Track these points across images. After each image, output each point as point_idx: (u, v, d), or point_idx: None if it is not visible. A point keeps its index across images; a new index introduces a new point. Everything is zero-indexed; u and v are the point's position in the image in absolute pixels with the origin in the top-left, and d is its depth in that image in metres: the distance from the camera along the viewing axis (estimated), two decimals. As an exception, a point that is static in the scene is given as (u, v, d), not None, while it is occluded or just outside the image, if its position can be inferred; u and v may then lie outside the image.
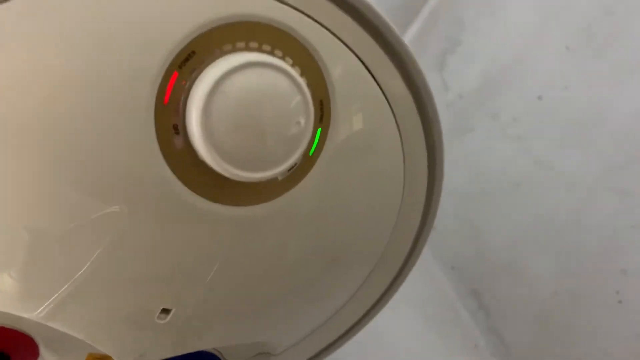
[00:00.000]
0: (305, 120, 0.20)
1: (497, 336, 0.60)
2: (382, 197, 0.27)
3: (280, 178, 0.22)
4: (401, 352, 0.58)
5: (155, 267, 0.21)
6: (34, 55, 0.18)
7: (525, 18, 0.61)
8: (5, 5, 0.17)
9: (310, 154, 0.22)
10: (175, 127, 0.19)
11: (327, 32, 0.21)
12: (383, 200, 0.27)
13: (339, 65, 0.22)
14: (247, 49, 0.20)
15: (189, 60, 0.19)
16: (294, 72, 0.20)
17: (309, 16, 0.21)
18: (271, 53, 0.20)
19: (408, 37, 0.76)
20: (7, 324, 0.25)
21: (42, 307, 0.22)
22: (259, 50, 0.20)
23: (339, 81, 0.22)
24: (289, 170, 0.22)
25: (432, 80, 0.71)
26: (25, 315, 0.22)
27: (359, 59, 0.23)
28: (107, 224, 0.20)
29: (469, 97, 0.67)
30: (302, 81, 0.20)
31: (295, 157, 0.20)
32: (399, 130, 0.26)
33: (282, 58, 0.20)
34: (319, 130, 0.22)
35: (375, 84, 0.24)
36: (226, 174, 0.19)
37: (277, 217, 0.22)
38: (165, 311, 0.22)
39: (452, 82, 0.69)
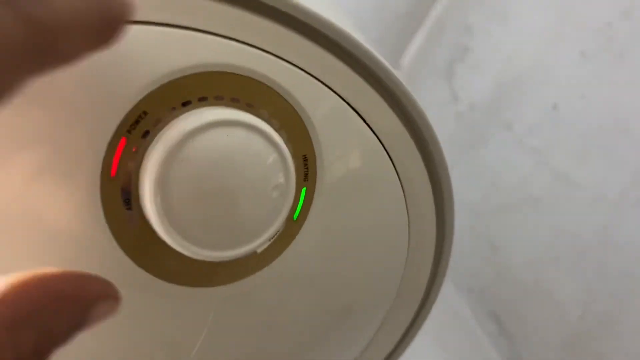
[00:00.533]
0: (284, 181, 0.17)
1: (521, 365, 0.56)
2: (386, 239, 0.23)
3: (259, 250, 0.18)
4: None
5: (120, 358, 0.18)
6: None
7: (537, 23, 0.58)
8: None
9: (295, 218, 0.19)
10: (127, 202, 0.16)
11: (305, 74, 0.18)
12: (388, 242, 0.24)
13: (322, 112, 0.19)
14: (210, 103, 0.16)
15: (139, 123, 0.16)
16: (268, 128, 0.16)
17: (283, 59, 0.17)
18: (242, 107, 0.17)
19: (414, 46, 0.73)
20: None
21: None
22: (225, 104, 0.17)
23: (324, 130, 0.19)
24: (270, 239, 0.18)
25: (441, 90, 0.68)
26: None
27: (345, 101, 0.19)
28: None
29: (480, 108, 0.64)
30: (278, 137, 0.16)
31: (274, 227, 0.17)
32: (396, 170, 0.22)
33: (256, 112, 0.17)
34: (304, 189, 0.19)
35: (365, 126, 0.20)
36: (192, 256, 0.16)
37: (263, 289, 0.19)
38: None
39: (461, 92, 0.66)
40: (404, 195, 0.23)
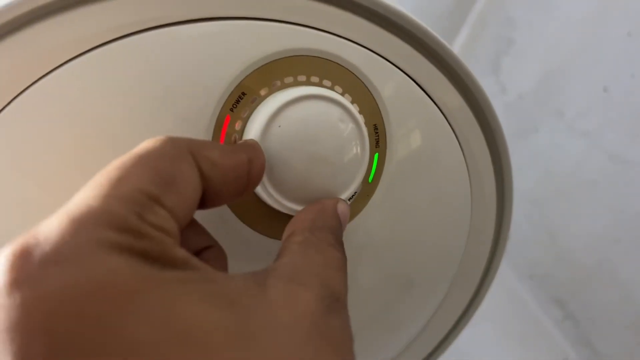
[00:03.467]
0: (360, 147, 0.20)
1: (588, 347, 0.56)
2: (450, 212, 0.26)
3: (341, 208, 0.21)
4: (486, 371, 0.56)
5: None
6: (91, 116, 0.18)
7: (579, 8, 0.59)
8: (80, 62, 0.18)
9: (370, 180, 0.21)
10: (233, 170, 0.19)
11: (373, 54, 0.21)
12: (451, 215, 0.26)
13: (390, 87, 0.21)
14: (296, 83, 0.19)
15: (239, 102, 0.19)
16: (345, 101, 0.19)
17: (352, 41, 0.20)
18: (320, 84, 0.20)
19: (458, 43, 0.74)
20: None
21: None
22: (308, 83, 0.20)
23: (391, 102, 0.21)
24: (349, 200, 0.21)
25: (488, 84, 0.69)
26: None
27: (409, 77, 0.22)
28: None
29: (529, 97, 0.65)
30: (353, 108, 0.19)
31: (354, 186, 0.20)
32: (459, 142, 0.25)
33: (331, 88, 0.20)
34: (376, 155, 0.21)
35: (429, 100, 0.23)
36: (288, 212, 0.19)
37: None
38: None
39: (509, 83, 0.67)
40: (467, 167, 0.25)
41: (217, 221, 0.19)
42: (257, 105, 0.19)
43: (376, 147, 0.21)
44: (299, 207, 0.19)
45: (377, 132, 0.21)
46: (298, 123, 0.18)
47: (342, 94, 0.20)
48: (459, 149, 0.25)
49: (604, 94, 0.56)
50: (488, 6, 0.71)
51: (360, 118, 0.20)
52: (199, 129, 0.19)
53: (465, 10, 0.74)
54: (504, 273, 0.64)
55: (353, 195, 0.21)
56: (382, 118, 0.21)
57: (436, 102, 0.23)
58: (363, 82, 0.21)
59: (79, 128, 0.18)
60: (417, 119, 0.23)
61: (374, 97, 0.21)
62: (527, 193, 0.64)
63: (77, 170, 0.18)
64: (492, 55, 0.69)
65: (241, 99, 0.19)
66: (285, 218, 0.20)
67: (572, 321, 0.58)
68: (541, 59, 0.63)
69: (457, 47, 0.75)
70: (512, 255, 0.65)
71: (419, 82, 0.22)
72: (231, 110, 0.19)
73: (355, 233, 0.22)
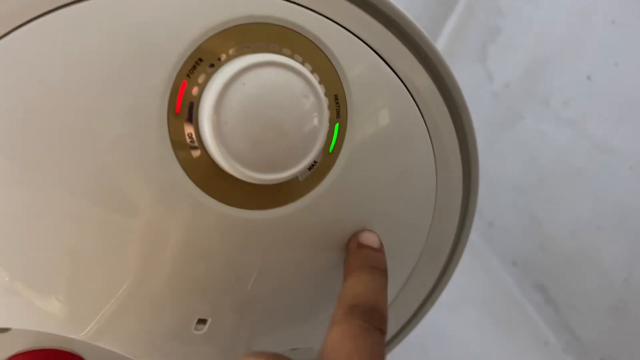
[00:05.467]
0: (319, 115, 0.20)
1: (568, 331, 0.57)
2: (415, 187, 0.26)
3: (301, 178, 0.21)
4: (467, 355, 0.56)
5: (187, 277, 0.22)
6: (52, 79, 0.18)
7: (565, -3, 0.59)
8: (23, 31, 0.18)
9: (330, 150, 0.22)
10: (190, 136, 0.19)
11: (336, 26, 0.21)
12: (416, 190, 0.26)
13: (352, 59, 0.22)
14: (254, 50, 0.20)
15: (196, 68, 0.19)
16: (304, 68, 0.19)
17: (315, 12, 0.21)
18: (279, 52, 0.20)
19: (446, 31, 0.74)
20: (59, 346, 0.26)
21: (88, 328, 0.22)
22: (267, 50, 0.20)
23: (353, 74, 0.21)
24: (309, 169, 0.21)
25: (475, 72, 0.70)
26: (73, 336, 0.23)
27: (372, 48, 0.22)
28: (139, 241, 0.21)
29: (515, 86, 0.65)
30: (313, 77, 0.19)
31: (313, 155, 0.20)
32: (424, 119, 0.25)
33: (291, 56, 0.20)
34: (337, 125, 0.21)
35: (394, 75, 0.23)
36: (245, 179, 0.19)
37: (304, 216, 0.22)
38: (202, 322, 0.22)
39: (496, 72, 0.67)
40: (431, 140, 0.25)
41: (171, 185, 0.20)
42: (215, 71, 0.19)
43: (337, 118, 0.21)
44: (255, 174, 0.19)
45: (337, 103, 0.21)
46: (261, 86, 0.18)
47: (302, 63, 0.20)
48: (423, 122, 0.25)
49: (588, 82, 0.57)
50: (476, -6, 0.71)
51: (321, 89, 0.20)
52: (154, 95, 0.19)
53: (453, -2, 0.74)
54: (488, 259, 0.65)
55: (313, 165, 0.21)
56: (343, 89, 0.21)
57: (402, 78, 0.23)
58: (324, 52, 0.21)
59: (29, 98, 0.18)
60: (380, 91, 0.23)
61: (334, 68, 0.21)
62: (512, 180, 0.65)
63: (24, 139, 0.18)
64: (479, 43, 0.69)
65: (198, 64, 0.19)
66: (243, 185, 0.20)
67: (553, 306, 0.59)
68: (527, 47, 0.63)
69: (445, 35, 0.75)
70: (495, 241, 0.65)
71: (385, 58, 0.23)
72: (187, 76, 0.19)
73: (319, 201, 0.22)
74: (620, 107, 0.54)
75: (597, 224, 0.56)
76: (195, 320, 0.22)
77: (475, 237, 0.65)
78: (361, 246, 0.23)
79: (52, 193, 0.20)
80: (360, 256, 0.23)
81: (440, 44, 0.75)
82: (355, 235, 0.24)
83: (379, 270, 0.23)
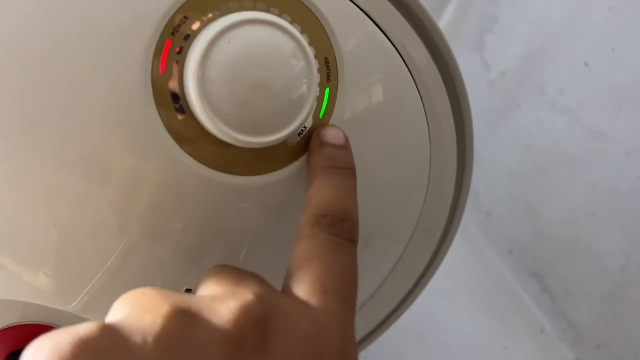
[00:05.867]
0: (308, 77, 0.19)
1: (564, 319, 0.56)
2: (408, 163, 0.25)
3: (290, 144, 0.21)
4: (463, 342, 0.56)
5: (173, 246, 0.21)
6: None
7: (562, -16, 0.58)
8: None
9: (320, 116, 0.21)
10: (175, 96, 0.19)
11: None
12: (410, 166, 0.25)
13: (344, 22, 0.21)
14: (241, 8, 0.19)
15: (181, 26, 0.18)
16: (292, 28, 0.19)
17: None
18: (267, 11, 0.19)
19: (443, 21, 0.74)
20: (47, 320, 0.25)
21: (77, 300, 0.22)
22: (253, 9, 0.19)
23: (345, 38, 0.21)
24: (299, 135, 0.21)
25: (472, 61, 0.69)
26: (62, 308, 0.22)
27: (370, 17, 0.22)
28: (125, 209, 0.20)
29: (511, 74, 0.65)
30: (302, 37, 0.19)
31: (301, 118, 0.19)
32: (419, 93, 0.24)
33: (279, 15, 0.20)
34: (327, 89, 0.21)
35: (390, 44, 0.23)
36: (231, 141, 0.19)
37: (293, 183, 0.21)
38: (190, 291, 0.22)
39: (492, 61, 0.67)
40: (426, 116, 0.25)
41: (156, 147, 0.19)
42: (200, 28, 0.19)
43: (327, 82, 0.21)
44: (241, 136, 0.19)
45: (327, 66, 0.21)
46: (249, 45, 0.18)
47: (291, 23, 0.20)
48: (418, 95, 0.24)
49: (584, 69, 0.56)
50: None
51: (311, 50, 0.19)
52: (138, 54, 0.18)
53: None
54: (484, 247, 0.64)
55: (303, 131, 0.21)
56: (333, 52, 0.21)
57: (396, 45, 0.23)
58: (314, 13, 0.20)
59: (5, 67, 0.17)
60: (373, 58, 0.22)
61: (325, 30, 0.21)
62: (508, 168, 0.64)
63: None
64: (477, 32, 0.69)
65: (183, 23, 0.18)
66: (230, 149, 0.19)
67: (549, 294, 0.59)
68: (524, 36, 0.63)
69: (442, 24, 0.74)
70: (491, 230, 0.65)
71: (377, 22, 0.22)
72: (172, 34, 0.18)
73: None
74: (616, 94, 0.54)
75: (593, 211, 0.56)
76: (183, 290, 0.22)
77: (471, 225, 0.65)
78: (324, 144, 0.21)
79: (34, 164, 0.19)
80: (324, 155, 0.20)
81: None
82: (317, 132, 0.21)
83: (346, 170, 0.20)
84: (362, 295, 0.29)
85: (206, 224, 0.21)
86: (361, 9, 0.22)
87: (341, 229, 0.18)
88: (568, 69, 0.58)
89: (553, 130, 0.59)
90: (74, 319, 0.23)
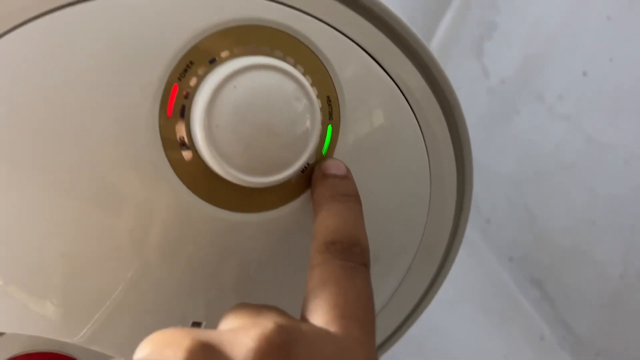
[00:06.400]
0: (311, 118, 0.20)
1: (564, 326, 0.57)
2: (409, 186, 0.26)
3: (293, 180, 0.21)
4: (463, 350, 0.56)
5: (178, 280, 0.22)
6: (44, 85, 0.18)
7: (560, -7, 0.59)
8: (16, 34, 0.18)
9: (324, 152, 0.22)
10: (182, 138, 0.19)
11: (327, 27, 0.21)
12: (410, 189, 0.26)
13: (344, 60, 0.22)
14: (246, 52, 0.19)
15: (187, 71, 0.19)
16: (296, 71, 0.19)
17: (307, 13, 0.20)
18: (271, 55, 0.20)
19: (442, 27, 0.74)
20: (55, 349, 0.26)
21: (83, 331, 0.22)
22: (258, 53, 0.20)
23: (346, 76, 0.21)
24: (302, 172, 0.21)
25: (471, 68, 0.70)
26: (68, 340, 0.23)
27: (366, 52, 0.22)
28: (132, 243, 0.21)
29: (510, 81, 0.65)
30: (305, 80, 0.19)
31: (305, 157, 0.20)
32: (417, 120, 0.25)
33: (283, 59, 0.20)
34: (330, 126, 0.21)
35: (386, 76, 0.23)
36: (237, 182, 0.19)
37: (297, 218, 0.22)
38: (197, 324, 0.22)
39: (491, 67, 0.67)
40: (424, 140, 0.25)
41: (164, 187, 0.20)
42: (206, 73, 0.19)
43: (329, 119, 0.21)
44: (247, 177, 0.19)
45: (330, 105, 0.21)
46: (253, 89, 0.18)
47: (294, 65, 0.20)
48: (415, 121, 0.25)
49: (583, 77, 0.57)
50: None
51: (313, 91, 0.20)
52: (146, 99, 0.19)
53: (449, -7, 0.73)
54: (484, 254, 0.65)
55: (306, 167, 0.21)
56: (335, 90, 0.21)
57: (395, 79, 0.23)
58: (315, 54, 0.21)
59: (21, 99, 0.18)
60: (372, 92, 0.23)
61: (327, 69, 0.21)
62: (508, 175, 0.65)
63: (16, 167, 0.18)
64: (475, 39, 0.69)
65: (189, 68, 0.19)
66: (235, 188, 0.20)
67: (549, 301, 0.59)
68: (523, 43, 0.63)
69: (441, 30, 0.75)
70: (491, 236, 0.65)
71: (378, 60, 0.22)
72: (179, 79, 0.19)
73: (310, 207, 0.22)
74: (615, 102, 0.54)
75: (592, 218, 0.56)
76: (190, 323, 0.22)
77: (471, 232, 0.66)
78: (327, 176, 0.21)
79: (44, 195, 0.20)
80: (328, 186, 0.21)
81: (436, 40, 0.75)
82: (318, 166, 0.22)
83: (352, 197, 0.21)
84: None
85: (209, 260, 0.21)
86: (359, 46, 0.22)
87: (352, 254, 0.18)
88: (566, 76, 0.58)
89: (552, 137, 0.60)
90: (80, 350, 0.24)
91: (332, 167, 0.21)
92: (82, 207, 0.20)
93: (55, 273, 0.21)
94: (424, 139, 0.25)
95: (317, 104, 0.20)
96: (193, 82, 0.19)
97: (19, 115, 0.19)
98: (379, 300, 0.29)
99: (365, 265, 0.19)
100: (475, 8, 0.70)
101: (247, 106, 0.18)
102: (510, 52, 0.65)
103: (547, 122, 0.60)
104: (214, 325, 0.23)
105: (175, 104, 0.19)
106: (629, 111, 0.53)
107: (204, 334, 0.15)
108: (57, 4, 0.18)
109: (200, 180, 0.20)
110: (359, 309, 0.17)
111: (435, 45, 0.73)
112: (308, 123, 0.20)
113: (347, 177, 0.22)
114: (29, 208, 0.20)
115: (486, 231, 0.67)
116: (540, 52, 0.61)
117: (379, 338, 0.32)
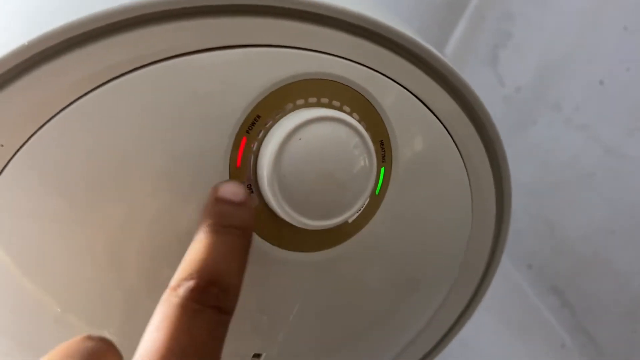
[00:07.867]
0: (368, 163, 0.21)
1: (584, 334, 0.58)
2: (452, 214, 0.27)
3: (350, 221, 0.23)
4: (484, 359, 0.57)
5: (243, 317, 0.23)
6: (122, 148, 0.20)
7: (576, 2, 0.59)
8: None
9: (377, 193, 0.23)
10: (250, 187, 0.21)
11: (374, 72, 0.22)
12: (453, 217, 0.27)
13: (391, 101, 0.23)
14: (307, 105, 0.21)
15: (255, 124, 0.20)
16: (355, 121, 0.20)
17: (355, 62, 0.22)
18: (330, 105, 0.21)
19: (456, 36, 0.75)
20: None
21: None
22: (318, 104, 0.21)
23: (397, 120, 0.23)
24: (358, 211, 0.23)
25: (486, 76, 0.70)
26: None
27: (407, 90, 0.23)
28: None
29: (526, 90, 0.66)
30: (362, 129, 0.21)
31: (363, 199, 0.21)
32: (456, 145, 0.26)
33: (340, 108, 0.21)
34: (382, 169, 0.23)
35: (427, 110, 0.24)
36: (301, 226, 0.21)
37: (351, 256, 0.23)
38: (257, 356, 0.24)
39: (507, 76, 0.68)
40: (467, 172, 0.26)
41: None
42: (272, 126, 0.20)
43: (382, 162, 0.23)
44: (310, 221, 0.20)
45: (383, 148, 0.22)
46: (317, 141, 0.20)
47: (350, 113, 0.22)
48: (458, 152, 0.26)
49: (600, 87, 0.57)
50: (486, 0, 0.71)
51: (368, 137, 0.21)
52: (218, 151, 0.20)
53: (463, 2, 0.74)
54: (503, 263, 0.66)
55: (361, 208, 0.23)
56: (387, 133, 0.23)
57: (434, 111, 0.24)
58: (368, 100, 0.22)
59: (95, 164, 0.19)
60: (418, 129, 0.24)
61: (379, 114, 0.22)
62: (525, 185, 0.65)
63: (93, 206, 0.19)
64: (490, 47, 0.70)
65: (256, 121, 0.20)
66: (297, 230, 0.21)
67: (569, 309, 0.60)
68: (539, 52, 0.64)
69: (455, 39, 0.75)
70: (510, 246, 0.66)
71: (416, 94, 0.24)
72: (247, 132, 0.20)
73: (366, 241, 0.23)
74: (632, 112, 0.55)
75: (611, 228, 0.57)
76: (251, 355, 0.24)
77: (490, 242, 0.66)
78: (218, 200, 0.19)
79: (116, 235, 0.21)
80: (213, 212, 0.19)
81: (450, 49, 0.75)
82: (213, 187, 0.19)
83: (235, 230, 0.18)
84: (408, 335, 0.30)
85: (274, 298, 0.23)
86: (409, 91, 0.23)
87: (204, 294, 0.16)
88: (583, 86, 0.59)
89: (570, 147, 0.60)
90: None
91: (227, 190, 0.19)
92: (152, 247, 0.21)
93: (115, 304, 0.22)
94: (464, 163, 0.26)
95: (373, 150, 0.21)
96: (260, 134, 0.20)
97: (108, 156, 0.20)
98: (416, 327, 0.30)
99: (219, 308, 0.17)
100: (489, 18, 0.71)
101: (312, 157, 0.20)
102: (526, 61, 0.65)
103: (564, 131, 0.61)
104: (273, 354, 0.24)
105: (244, 155, 0.20)
106: (647, 123, 0.54)
107: None
108: (130, 66, 0.19)
109: (267, 224, 0.21)
110: (188, 356, 0.15)
111: (449, 53, 0.73)
112: (366, 169, 0.21)
113: (242, 204, 0.19)
114: (98, 244, 0.21)
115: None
116: (556, 61, 0.62)
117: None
